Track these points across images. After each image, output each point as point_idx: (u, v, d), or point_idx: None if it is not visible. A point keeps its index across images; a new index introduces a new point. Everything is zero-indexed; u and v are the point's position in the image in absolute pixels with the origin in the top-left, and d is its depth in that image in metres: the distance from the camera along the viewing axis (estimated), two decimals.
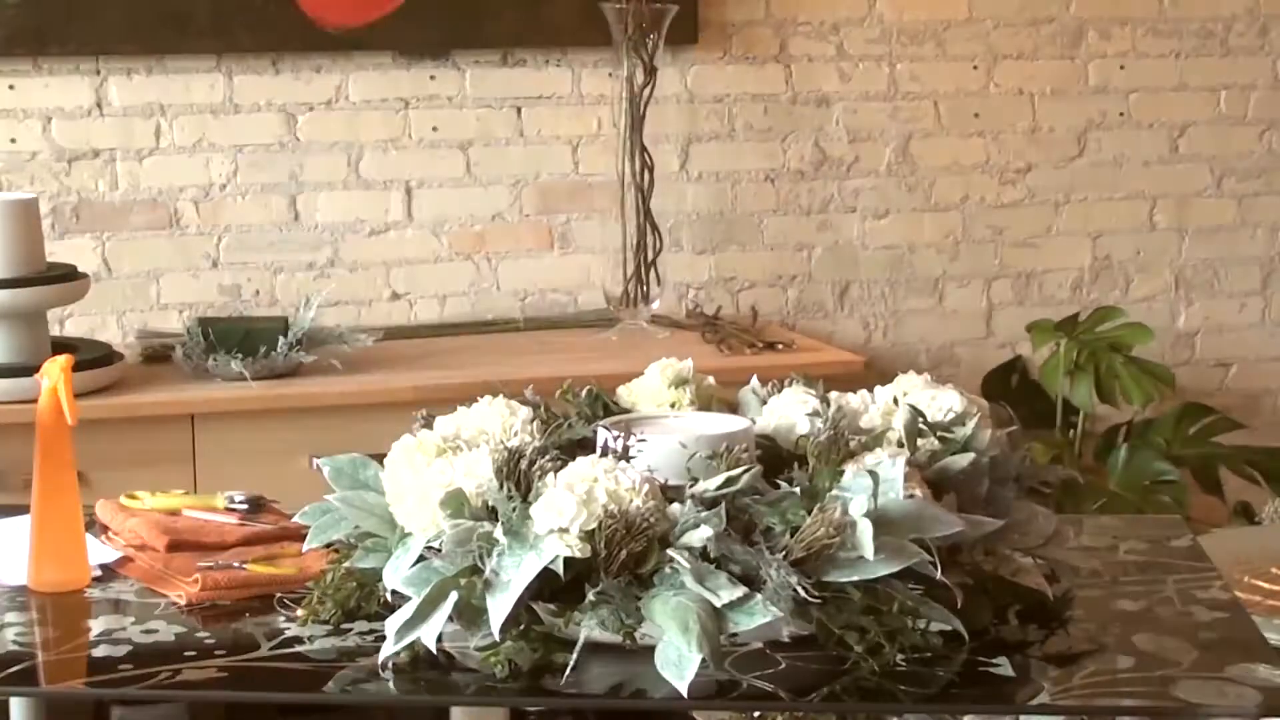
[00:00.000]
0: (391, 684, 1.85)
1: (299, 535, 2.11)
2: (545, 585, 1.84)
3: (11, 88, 3.92)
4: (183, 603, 2.09)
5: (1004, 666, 1.88)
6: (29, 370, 3.08)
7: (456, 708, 2.36)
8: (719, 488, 1.88)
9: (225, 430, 3.50)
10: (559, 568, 1.82)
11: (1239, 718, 1.81)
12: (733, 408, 2.17)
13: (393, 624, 1.86)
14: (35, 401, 2.15)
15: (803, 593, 1.82)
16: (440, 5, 4.04)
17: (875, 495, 1.86)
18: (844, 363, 3.91)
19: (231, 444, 3.49)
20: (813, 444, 1.94)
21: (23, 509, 2.20)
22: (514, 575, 1.83)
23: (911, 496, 1.90)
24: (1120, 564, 2.27)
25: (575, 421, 2.09)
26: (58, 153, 3.96)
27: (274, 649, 1.95)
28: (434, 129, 4.13)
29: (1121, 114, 4.55)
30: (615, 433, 1.98)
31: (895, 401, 2.08)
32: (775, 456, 1.99)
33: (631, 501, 1.84)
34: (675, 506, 1.88)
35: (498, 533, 1.86)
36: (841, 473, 1.92)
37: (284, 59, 4.03)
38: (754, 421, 2.08)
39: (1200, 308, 4.66)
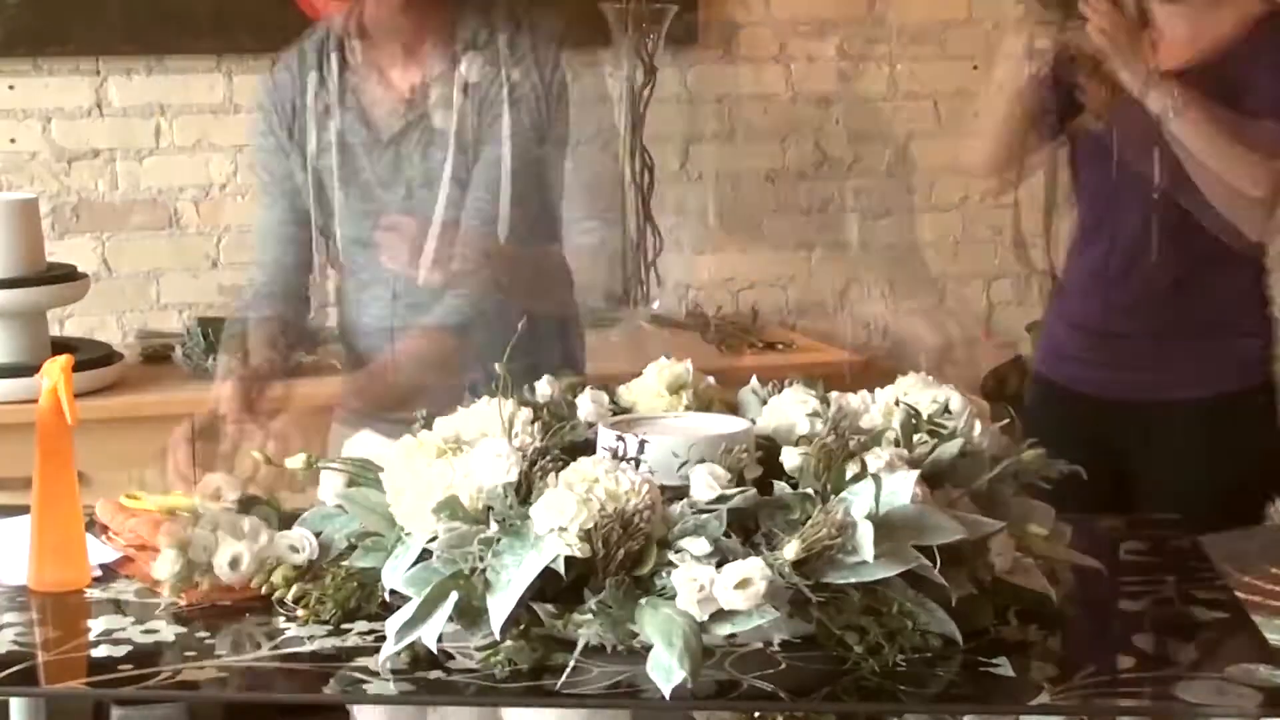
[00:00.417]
0: (391, 684, 1.85)
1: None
2: (546, 586, 1.84)
3: (11, 88, 3.92)
4: (183, 603, 2.09)
5: (1004, 666, 1.88)
6: (29, 370, 3.08)
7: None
8: (711, 502, 1.89)
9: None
10: (560, 567, 1.82)
11: (1239, 718, 1.81)
12: (733, 408, 2.17)
13: (393, 624, 1.86)
14: (35, 401, 2.15)
15: (806, 592, 1.82)
16: None
17: (877, 498, 1.87)
18: (844, 363, 3.91)
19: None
20: (815, 445, 1.94)
21: (23, 509, 2.20)
22: (515, 575, 1.83)
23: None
24: (1120, 564, 2.27)
25: (578, 424, 2.10)
26: (58, 153, 3.96)
27: (274, 649, 1.95)
28: None
29: None
30: (619, 434, 1.98)
31: (896, 403, 2.08)
32: (775, 457, 1.99)
33: (630, 501, 1.85)
34: (675, 507, 1.89)
35: (496, 533, 1.86)
36: (843, 473, 1.92)
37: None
38: (754, 421, 2.08)
39: None
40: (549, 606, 1.85)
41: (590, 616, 1.84)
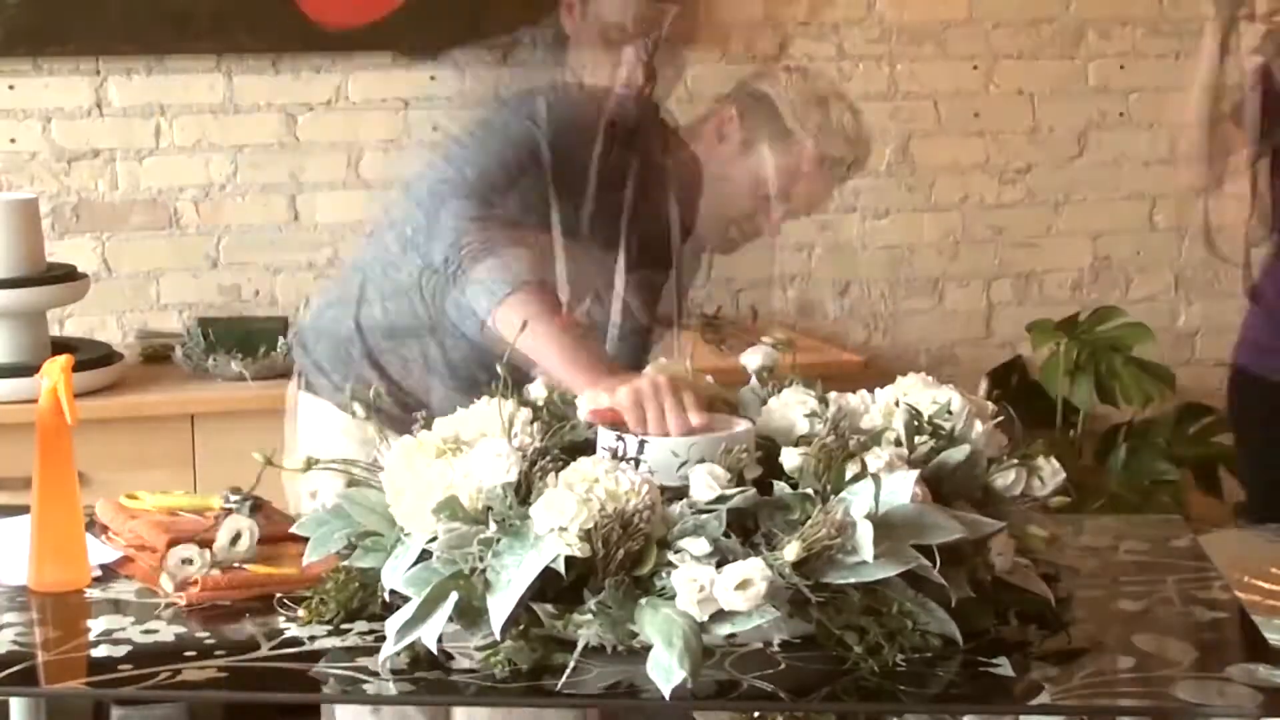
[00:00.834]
0: (391, 684, 1.85)
1: (298, 535, 2.11)
2: (546, 586, 1.84)
3: (11, 88, 3.92)
4: (183, 603, 2.09)
5: (1004, 666, 1.88)
6: (29, 370, 3.08)
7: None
8: (711, 502, 1.89)
9: (225, 430, 3.50)
10: (560, 567, 1.82)
11: (1239, 718, 1.81)
12: (733, 408, 2.17)
13: (393, 624, 1.86)
14: (35, 401, 2.15)
15: (805, 592, 1.82)
16: (440, 5, 4.04)
17: (877, 498, 1.87)
18: (844, 363, 3.91)
19: (231, 444, 3.48)
20: (815, 445, 1.94)
21: (23, 509, 2.20)
22: (515, 575, 1.83)
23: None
24: (1120, 564, 2.27)
25: (578, 423, 2.10)
26: (58, 153, 3.96)
27: (274, 649, 1.95)
28: (434, 129, 4.12)
29: (1121, 114, 4.55)
30: (619, 434, 1.98)
31: (896, 404, 2.08)
32: (775, 457, 1.99)
33: (629, 502, 1.85)
34: (674, 507, 1.89)
35: (496, 533, 1.86)
36: (843, 473, 1.92)
37: (284, 59, 4.02)
38: (754, 421, 2.08)
39: (1200, 308, 4.66)
40: (549, 607, 1.85)
41: (590, 617, 1.84)
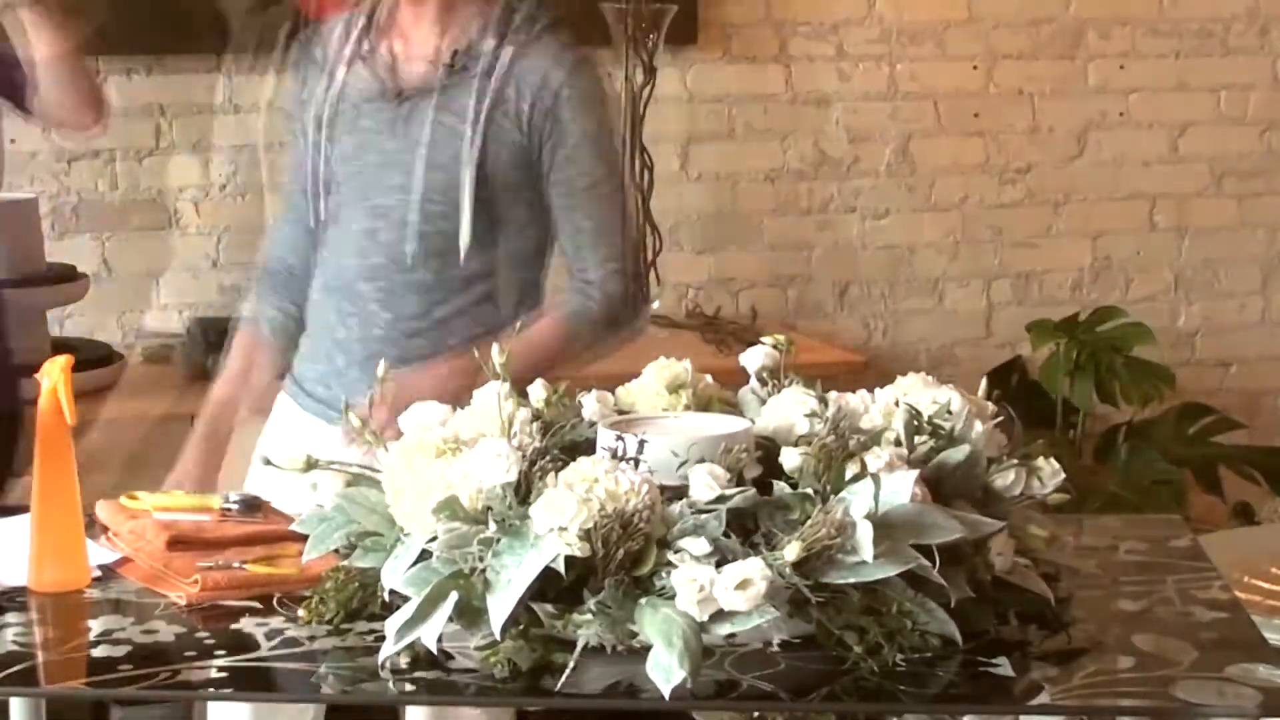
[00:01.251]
0: (391, 684, 1.85)
1: (298, 535, 2.11)
2: (546, 586, 1.84)
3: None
4: (183, 603, 2.09)
5: (1004, 666, 1.88)
6: (29, 370, 3.08)
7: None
8: (711, 502, 1.89)
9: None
10: (560, 567, 1.82)
11: (1239, 718, 1.81)
12: (732, 408, 2.17)
13: (393, 624, 1.86)
14: (35, 401, 2.15)
15: (805, 592, 1.82)
16: None
17: (876, 498, 1.87)
18: (844, 363, 3.91)
19: (231, 444, 3.48)
20: (815, 445, 1.94)
21: (23, 509, 2.20)
22: (515, 574, 1.83)
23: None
24: (1120, 564, 2.27)
25: (578, 423, 2.09)
26: (58, 153, 3.96)
27: (274, 649, 1.95)
28: None
29: (1121, 114, 4.55)
30: (618, 434, 1.98)
31: (896, 404, 2.08)
32: (775, 457, 1.99)
33: (629, 501, 1.85)
34: (674, 507, 1.89)
35: (496, 533, 1.86)
36: (843, 473, 1.92)
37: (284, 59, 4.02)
38: (754, 421, 2.08)
39: (1200, 308, 4.66)
40: (549, 606, 1.85)
41: (590, 616, 1.84)
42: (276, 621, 2.02)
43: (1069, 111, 4.52)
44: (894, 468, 1.93)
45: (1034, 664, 1.91)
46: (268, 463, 2.16)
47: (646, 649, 1.81)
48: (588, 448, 2.02)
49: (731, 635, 1.83)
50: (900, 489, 1.89)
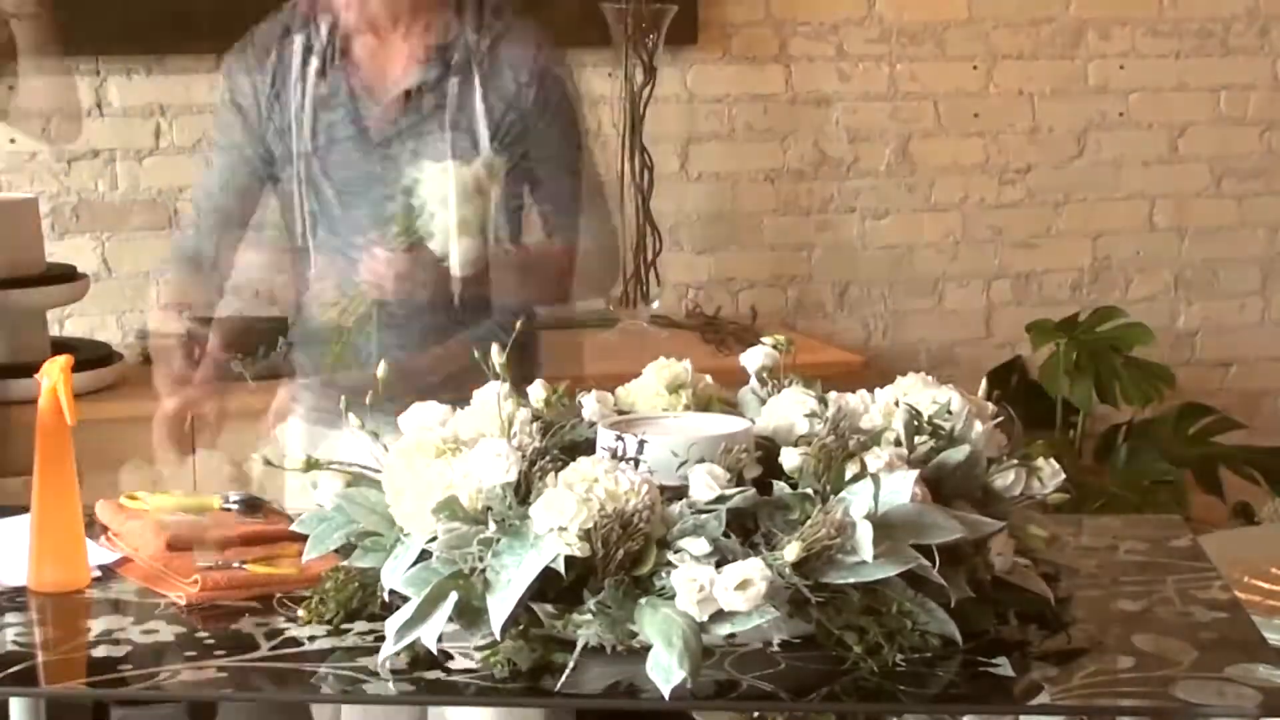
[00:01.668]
0: (391, 684, 1.85)
1: (298, 535, 2.11)
2: (546, 586, 1.84)
3: (11, 88, 3.92)
4: (183, 603, 2.09)
5: (1004, 666, 1.88)
6: (29, 370, 3.08)
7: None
8: (710, 502, 1.89)
9: (224, 431, 3.49)
10: (560, 567, 1.82)
11: (1239, 718, 1.81)
12: (732, 408, 2.17)
13: (392, 624, 1.86)
14: (35, 402, 2.15)
15: (805, 592, 1.82)
16: None
17: (876, 498, 1.87)
18: (844, 363, 3.91)
19: (231, 445, 3.47)
20: (815, 445, 1.94)
21: (23, 509, 2.20)
22: (515, 574, 1.83)
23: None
24: (1120, 564, 2.27)
25: (578, 424, 2.09)
26: (58, 153, 3.96)
27: (274, 649, 1.95)
28: None
29: (1121, 114, 4.55)
30: (618, 434, 1.98)
31: (896, 404, 2.08)
32: (775, 457, 1.99)
33: (629, 501, 1.85)
34: (674, 507, 1.89)
35: (496, 533, 1.86)
36: (843, 473, 1.92)
37: None
38: (754, 421, 2.08)
39: (1200, 308, 4.66)
40: (549, 606, 1.85)
41: (590, 617, 1.84)
42: (276, 621, 2.02)
43: (1069, 111, 4.52)
44: (894, 468, 1.93)
45: (1034, 664, 1.91)
46: (267, 463, 2.16)
47: (646, 649, 1.81)
48: (588, 448, 2.02)
49: (731, 635, 1.83)
50: (900, 489, 1.89)
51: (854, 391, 2.13)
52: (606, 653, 1.86)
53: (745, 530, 1.89)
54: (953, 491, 2.01)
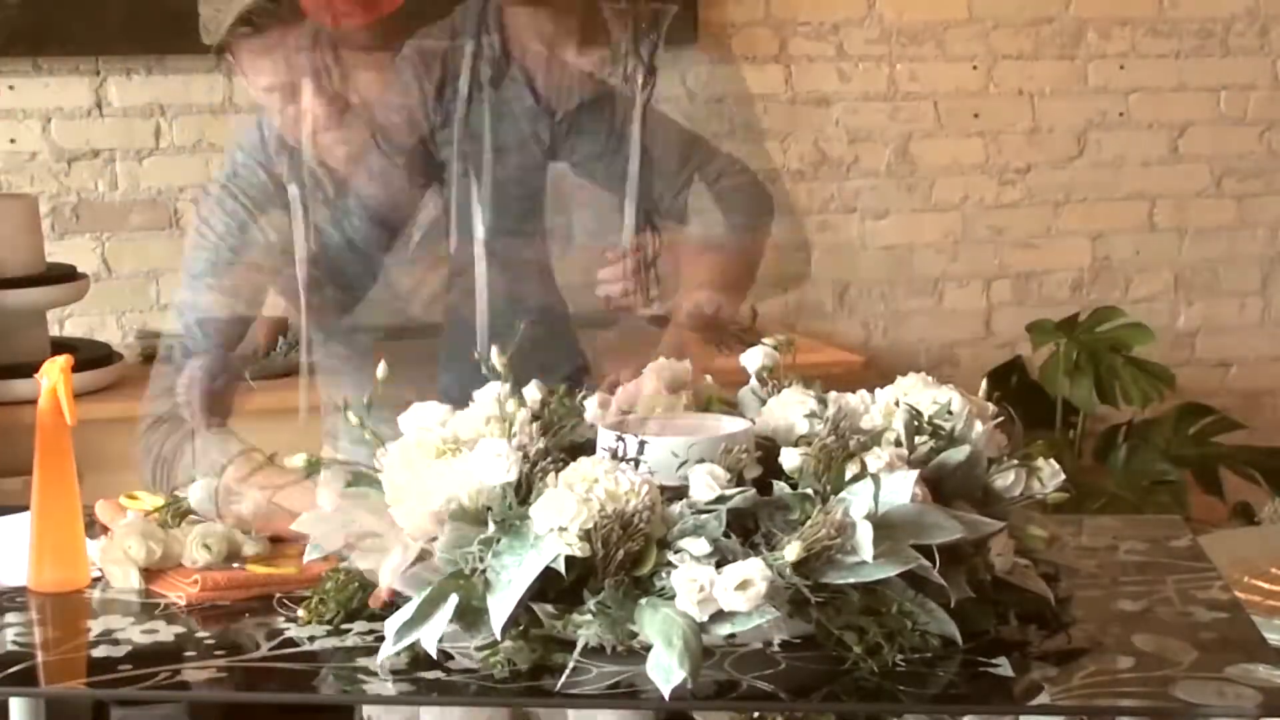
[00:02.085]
0: (391, 684, 1.85)
1: (298, 535, 2.11)
2: (546, 586, 1.84)
3: (11, 88, 3.92)
4: (183, 603, 2.09)
5: (1004, 666, 1.88)
6: (29, 370, 3.08)
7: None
8: (711, 503, 1.89)
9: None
10: (560, 567, 1.82)
11: (1239, 718, 1.81)
12: (733, 408, 2.17)
13: (392, 624, 1.86)
14: (35, 402, 2.15)
15: (805, 592, 1.82)
16: (443, 6, 4.03)
17: (876, 498, 1.87)
18: (844, 363, 3.91)
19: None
20: (815, 445, 1.94)
21: (23, 509, 2.20)
22: (515, 575, 1.83)
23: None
24: (1120, 564, 2.27)
25: (578, 424, 2.09)
26: (57, 153, 3.96)
27: (274, 649, 1.95)
28: None
29: (1121, 114, 4.55)
30: (619, 434, 1.98)
31: (896, 404, 2.08)
32: (775, 457, 1.99)
33: (629, 502, 1.85)
34: (674, 507, 1.89)
35: (496, 533, 1.86)
36: (843, 473, 1.92)
37: None
38: (754, 421, 2.08)
39: (1200, 308, 4.66)
40: (549, 607, 1.85)
41: (590, 617, 1.84)
42: (276, 621, 2.02)
43: (1069, 111, 4.52)
44: (894, 468, 1.93)
45: (1034, 664, 1.91)
46: (268, 461, 2.16)
47: (646, 649, 1.81)
48: (588, 448, 2.02)
49: (731, 635, 1.83)
50: (900, 489, 1.89)
51: (854, 391, 2.13)
52: (606, 653, 1.86)
53: (745, 530, 1.89)
54: (953, 492, 2.01)
